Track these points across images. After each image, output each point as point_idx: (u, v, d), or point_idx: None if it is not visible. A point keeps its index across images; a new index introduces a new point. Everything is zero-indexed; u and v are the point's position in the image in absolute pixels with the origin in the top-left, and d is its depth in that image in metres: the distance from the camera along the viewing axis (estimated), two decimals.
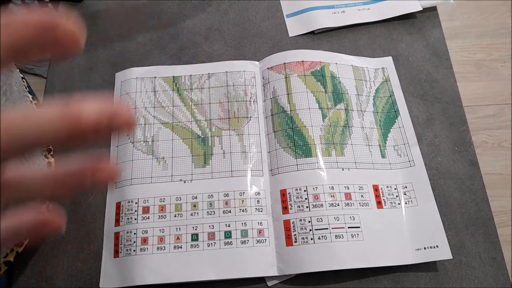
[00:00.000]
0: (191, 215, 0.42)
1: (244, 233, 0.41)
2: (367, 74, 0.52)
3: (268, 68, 0.50)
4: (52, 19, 0.13)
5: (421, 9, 0.56)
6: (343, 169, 0.44)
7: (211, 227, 0.42)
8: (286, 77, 0.49)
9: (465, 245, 0.43)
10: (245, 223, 0.42)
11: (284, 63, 0.50)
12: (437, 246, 0.41)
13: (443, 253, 0.41)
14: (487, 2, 1.35)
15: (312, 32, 0.55)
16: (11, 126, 0.13)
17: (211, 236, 0.41)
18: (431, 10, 0.57)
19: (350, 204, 0.42)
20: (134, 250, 0.41)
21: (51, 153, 0.36)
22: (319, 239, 0.40)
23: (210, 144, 0.46)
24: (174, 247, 0.41)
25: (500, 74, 1.23)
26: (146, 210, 0.43)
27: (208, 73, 0.51)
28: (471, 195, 0.45)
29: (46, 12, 0.13)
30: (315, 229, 0.41)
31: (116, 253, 0.41)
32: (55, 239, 0.42)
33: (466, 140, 0.48)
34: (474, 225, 0.44)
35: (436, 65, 0.53)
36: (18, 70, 0.36)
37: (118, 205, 0.43)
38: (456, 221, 0.44)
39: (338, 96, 0.49)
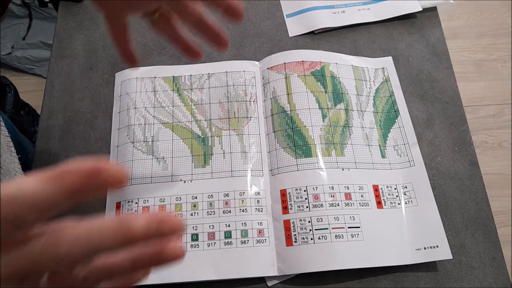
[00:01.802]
0: (191, 215, 0.42)
1: (244, 233, 0.41)
2: (367, 74, 0.52)
3: (268, 68, 0.50)
4: (96, 166, 0.17)
5: (421, 9, 0.56)
6: (343, 169, 0.44)
7: (211, 227, 0.42)
8: (286, 77, 0.49)
9: (465, 245, 0.43)
10: (245, 223, 0.42)
11: (284, 63, 0.50)
12: (437, 246, 0.41)
13: (443, 253, 0.41)
14: (487, 2, 1.35)
15: (312, 32, 0.55)
16: (80, 239, 0.17)
17: (211, 236, 0.41)
18: (431, 10, 0.57)
19: (350, 204, 0.42)
20: None
21: None
22: (319, 239, 0.40)
23: (210, 144, 0.46)
24: None
25: (500, 74, 1.23)
26: (146, 210, 0.43)
27: (208, 73, 0.51)
28: (471, 195, 0.45)
29: (92, 161, 0.17)
30: (315, 229, 0.41)
31: None
32: None
33: (466, 140, 0.48)
34: (474, 225, 0.44)
35: (436, 65, 0.53)
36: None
37: (118, 205, 0.43)
38: (456, 221, 0.44)
39: (338, 96, 0.49)
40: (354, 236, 0.41)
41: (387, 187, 0.44)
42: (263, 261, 0.40)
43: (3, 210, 0.16)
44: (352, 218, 0.42)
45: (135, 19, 0.56)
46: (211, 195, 0.43)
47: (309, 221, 0.41)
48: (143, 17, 0.33)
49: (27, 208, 0.17)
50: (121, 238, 0.18)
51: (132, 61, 0.38)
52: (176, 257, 0.20)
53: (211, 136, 0.47)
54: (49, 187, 0.17)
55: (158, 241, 0.19)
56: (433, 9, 0.57)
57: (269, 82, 0.49)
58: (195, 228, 0.42)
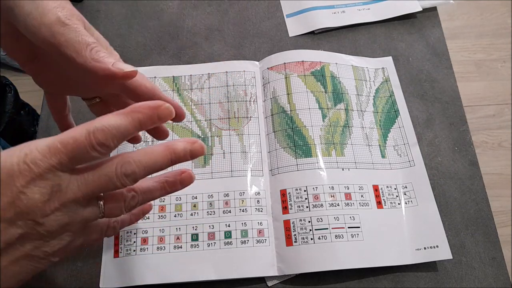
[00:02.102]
0: (191, 215, 0.42)
1: (244, 233, 0.41)
2: (367, 74, 0.52)
3: (268, 68, 0.50)
4: (155, 103, 0.24)
5: (421, 9, 0.56)
6: (343, 169, 0.44)
7: (211, 227, 0.42)
8: (286, 77, 0.49)
9: (465, 245, 0.43)
10: (245, 223, 0.42)
11: (284, 63, 0.50)
12: (437, 246, 0.41)
13: (443, 253, 0.41)
14: (487, 2, 1.35)
15: (312, 32, 0.55)
16: (142, 161, 0.24)
17: (211, 236, 0.41)
18: (431, 10, 0.57)
19: (350, 204, 0.42)
20: (134, 250, 0.41)
21: None
22: (319, 239, 0.40)
23: (210, 144, 0.46)
24: (174, 247, 0.41)
25: (500, 74, 1.23)
26: None
27: (208, 73, 0.51)
28: (471, 195, 0.45)
29: (153, 101, 0.24)
30: (315, 229, 0.41)
31: (116, 253, 0.41)
32: None
33: (466, 140, 0.48)
34: (474, 225, 0.44)
35: (436, 65, 0.53)
36: None
37: None
38: (456, 221, 0.44)
39: (338, 96, 0.49)
40: (354, 236, 0.41)
41: (387, 187, 0.44)
42: (263, 261, 0.40)
43: (98, 138, 0.22)
44: (352, 218, 0.42)
45: (136, 19, 0.56)
46: (211, 195, 0.43)
47: (309, 221, 0.41)
48: (83, 99, 0.34)
49: (111, 136, 0.22)
50: (169, 159, 0.25)
51: None
52: (190, 177, 0.27)
53: (211, 136, 0.47)
54: (125, 120, 0.23)
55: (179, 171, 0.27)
56: (433, 9, 0.57)
57: (269, 82, 0.49)
58: (195, 228, 0.42)
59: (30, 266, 0.23)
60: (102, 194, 0.25)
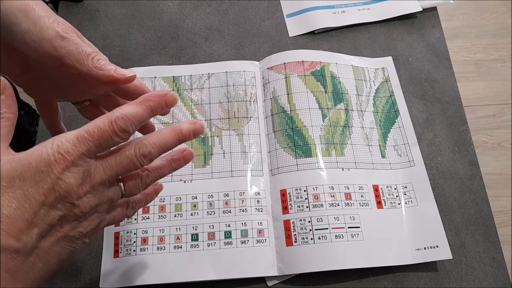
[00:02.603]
0: (191, 215, 0.42)
1: (244, 233, 0.41)
2: (367, 74, 0.52)
3: (268, 68, 0.50)
4: (162, 92, 0.28)
5: (421, 9, 0.56)
6: (343, 169, 0.44)
7: (211, 227, 0.42)
8: (286, 77, 0.49)
9: (465, 245, 0.43)
10: (245, 223, 0.42)
11: (284, 63, 0.50)
12: (437, 246, 0.41)
13: (443, 253, 0.41)
14: (487, 2, 1.35)
15: (312, 32, 0.55)
16: (156, 142, 0.28)
17: (211, 236, 0.41)
18: (431, 10, 0.57)
19: (350, 204, 0.42)
20: (134, 250, 0.41)
21: None
22: (319, 239, 0.40)
23: (210, 144, 0.46)
24: (174, 247, 0.41)
25: (500, 74, 1.23)
26: (146, 210, 0.43)
27: (208, 73, 0.51)
28: (471, 195, 0.45)
29: (160, 91, 0.28)
30: (315, 229, 0.41)
31: (116, 253, 0.41)
32: None
33: (466, 140, 0.48)
34: (474, 225, 0.44)
35: (436, 65, 0.53)
36: None
37: None
38: (456, 221, 0.44)
39: (338, 96, 0.49)
40: (354, 236, 0.41)
41: (387, 187, 0.44)
42: (263, 261, 0.40)
43: (119, 125, 0.25)
44: (352, 218, 0.42)
45: (136, 18, 0.56)
46: (211, 195, 0.43)
47: (309, 221, 0.41)
48: (73, 103, 0.36)
49: (130, 123, 0.26)
50: (176, 139, 0.28)
51: None
52: (191, 154, 0.31)
53: (211, 136, 0.47)
54: (140, 108, 0.27)
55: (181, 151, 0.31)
56: (433, 9, 0.57)
57: (269, 82, 0.49)
58: (195, 228, 0.42)
59: (68, 246, 0.26)
60: (120, 176, 0.28)
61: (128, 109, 0.26)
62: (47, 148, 0.24)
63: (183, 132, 0.29)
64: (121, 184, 0.28)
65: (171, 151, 0.30)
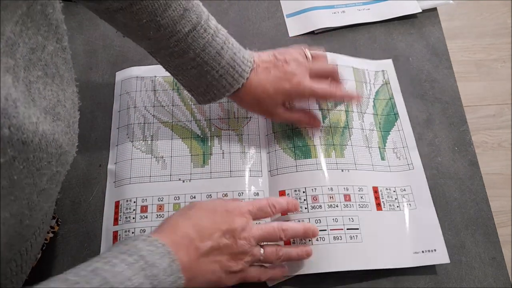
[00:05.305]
0: None
1: None
2: (367, 76, 0.52)
3: None
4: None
5: (421, 10, 0.56)
6: (342, 170, 0.44)
7: None
8: None
9: (465, 245, 0.43)
10: None
11: None
12: (435, 250, 0.41)
13: (441, 257, 0.41)
14: (487, 2, 1.34)
15: (312, 32, 0.55)
16: (288, 224, 0.39)
17: None
18: (431, 10, 0.57)
19: (349, 205, 0.42)
20: None
21: (58, 222, 0.43)
22: (317, 240, 0.40)
23: (209, 144, 0.46)
24: None
25: (500, 74, 1.23)
26: (144, 209, 0.42)
27: None
28: (471, 195, 0.45)
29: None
30: None
31: None
32: (55, 239, 0.42)
33: (466, 140, 0.48)
34: (474, 225, 0.44)
35: (436, 65, 0.53)
36: None
37: (117, 204, 0.43)
38: (456, 221, 0.44)
39: None
40: (352, 237, 0.41)
41: (387, 189, 0.44)
42: None
43: (273, 204, 0.39)
44: (351, 219, 0.41)
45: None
46: (210, 195, 0.43)
47: (307, 223, 0.41)
48: None
49: (277, 209, 0.39)
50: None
51: None
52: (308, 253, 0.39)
53: (210, 136, 0.47)
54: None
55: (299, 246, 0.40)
56: (433, 9, 0.57)
57: None
58: None
59: (216, 272, 0.34)
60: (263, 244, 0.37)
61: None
62: (233, 204, 0.37)
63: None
64: (262, 249, 0.36)
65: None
